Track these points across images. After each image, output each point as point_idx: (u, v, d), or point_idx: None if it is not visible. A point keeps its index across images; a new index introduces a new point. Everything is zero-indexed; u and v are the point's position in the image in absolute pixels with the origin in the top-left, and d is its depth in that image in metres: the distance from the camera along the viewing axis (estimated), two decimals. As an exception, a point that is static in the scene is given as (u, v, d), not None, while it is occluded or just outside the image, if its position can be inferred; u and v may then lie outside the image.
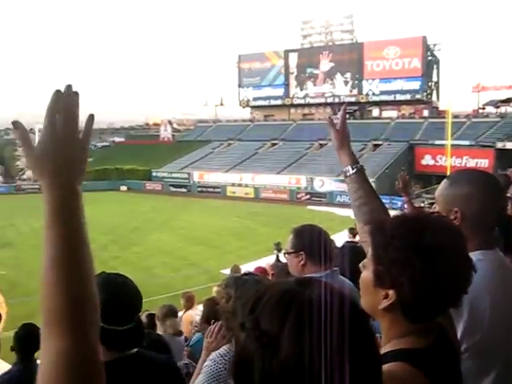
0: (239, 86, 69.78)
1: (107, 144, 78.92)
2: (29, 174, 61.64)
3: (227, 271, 15.76)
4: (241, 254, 24.41)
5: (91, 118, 1.09)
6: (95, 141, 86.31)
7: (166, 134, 68.09)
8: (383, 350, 1.25)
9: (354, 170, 2.21)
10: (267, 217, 36.12)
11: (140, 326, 2.13)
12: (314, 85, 63.44)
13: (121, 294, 2.04)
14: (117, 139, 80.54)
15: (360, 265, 1.36)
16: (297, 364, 0.80)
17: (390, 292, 1.24)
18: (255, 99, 68.57)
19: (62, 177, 0.98)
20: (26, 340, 3.53)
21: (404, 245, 1.22)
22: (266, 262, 13.30)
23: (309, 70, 63.36)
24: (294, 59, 64.86)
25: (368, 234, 1.34)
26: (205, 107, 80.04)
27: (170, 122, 71.57)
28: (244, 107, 70.87)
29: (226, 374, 2.39)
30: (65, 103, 1.01)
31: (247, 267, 10.96)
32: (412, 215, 1.39)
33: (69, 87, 1.02)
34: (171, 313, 5.94)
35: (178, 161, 57.84)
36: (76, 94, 1.02)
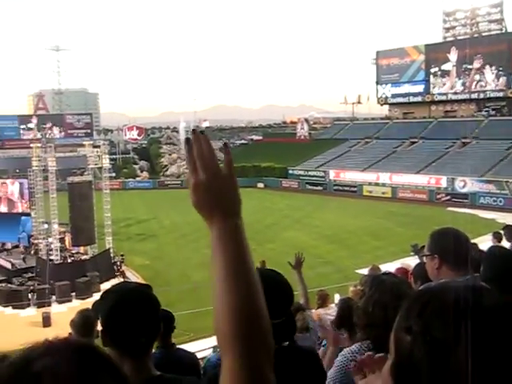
0: (377, 83, 68.42)
1: (245, 142, 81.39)
2: (172, 170, 65.28)
3: (363, 271, 15.60)
4: (377, 254, 24.03)
5: (226, 147, 1.12)
6: (234, 139, 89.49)
7: (302, 132, 68.69)
8: None
9: None
10: (404, 217, 35.15)
11: (292, 319, 2.20)
12: (467, 79, 59.80)
13: (274, 288, 2.07)
14: (255, 137, 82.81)
15: None
16: (472, 377, 0.77)
17: None
18: (394, 96, 66.83)
19: (216, 216, 1.05)
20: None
21: None
22: (402, 262, 12.94)
23: (463, 65, 59.28)
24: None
25: None
26: (342, 105, 79.64)
27: (307, 121, 72.03)
28: (382, 105, 69.45)
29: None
30: (197, 147, 1.05)
31: (384, 268, 10.76)
32: None
33: (194, 131, 1.07)
34: (299, 309, 5.99)
35: (315, 159, 58.08)
36: (202, 133, 1.07)
